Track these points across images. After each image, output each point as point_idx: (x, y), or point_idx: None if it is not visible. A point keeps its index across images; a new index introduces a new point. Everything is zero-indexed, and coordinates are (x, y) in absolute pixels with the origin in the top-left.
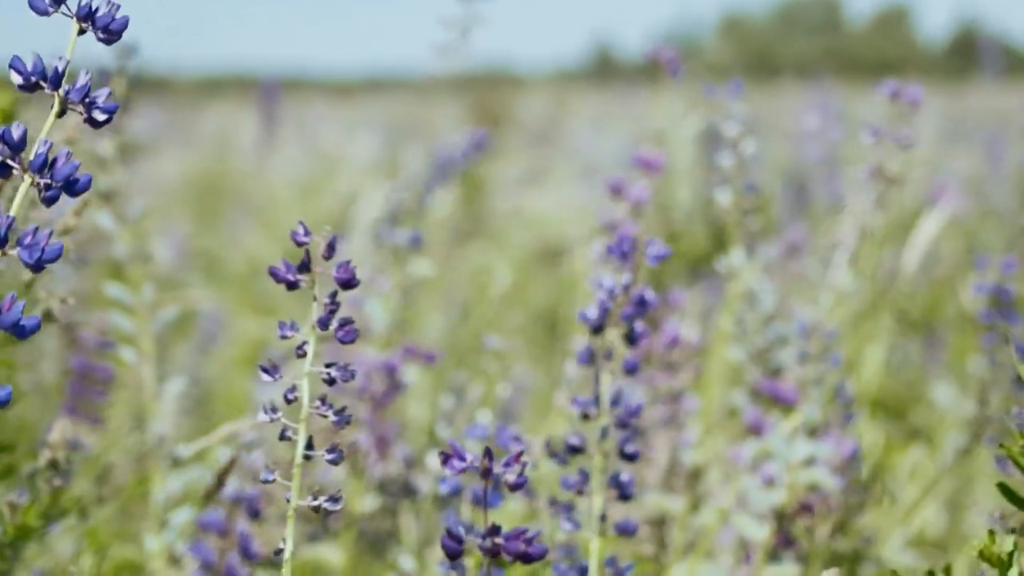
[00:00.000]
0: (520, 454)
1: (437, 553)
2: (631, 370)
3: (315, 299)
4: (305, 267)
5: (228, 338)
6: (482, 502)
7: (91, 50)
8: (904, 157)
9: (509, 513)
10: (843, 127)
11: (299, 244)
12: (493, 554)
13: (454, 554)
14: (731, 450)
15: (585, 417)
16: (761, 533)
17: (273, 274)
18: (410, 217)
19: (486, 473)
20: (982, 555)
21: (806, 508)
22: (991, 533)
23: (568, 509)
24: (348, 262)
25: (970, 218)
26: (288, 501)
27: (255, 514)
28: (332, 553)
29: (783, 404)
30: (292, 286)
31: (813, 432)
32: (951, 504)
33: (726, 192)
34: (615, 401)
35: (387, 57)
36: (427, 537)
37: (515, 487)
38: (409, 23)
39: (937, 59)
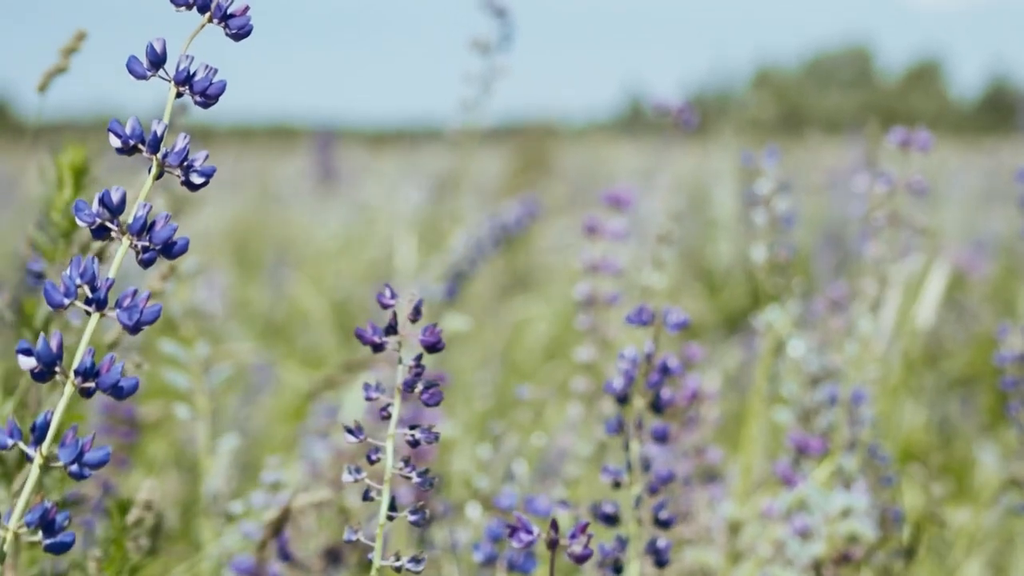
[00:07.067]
0: (586, 526)
1: None
2: (660, 438)
3: (401, 362)
4: (392, 330)
5: (273, 390)
6: (518, 568)
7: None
8: (920, 204)
9: None
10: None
11: (385, 307)
12: None
13: None
14: (767, 505)
15: (617, 485)
16: None
17: (360, 336)
18: (461, 279)
19: (552, 545)
20: None
21: (846, 559)
22: None
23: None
24: (434, 326)
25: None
26: (371, 560)
27: (286, 557)
28: None
29: (812, 456)
30: (378, 348)
31: (848, 484)
32: (995, 565)
33: (760, 249)
34: (645, 468)
35: (422, 106)
36: None
37: (581, 559)
38: (439, 73)
39: (970, 114)
